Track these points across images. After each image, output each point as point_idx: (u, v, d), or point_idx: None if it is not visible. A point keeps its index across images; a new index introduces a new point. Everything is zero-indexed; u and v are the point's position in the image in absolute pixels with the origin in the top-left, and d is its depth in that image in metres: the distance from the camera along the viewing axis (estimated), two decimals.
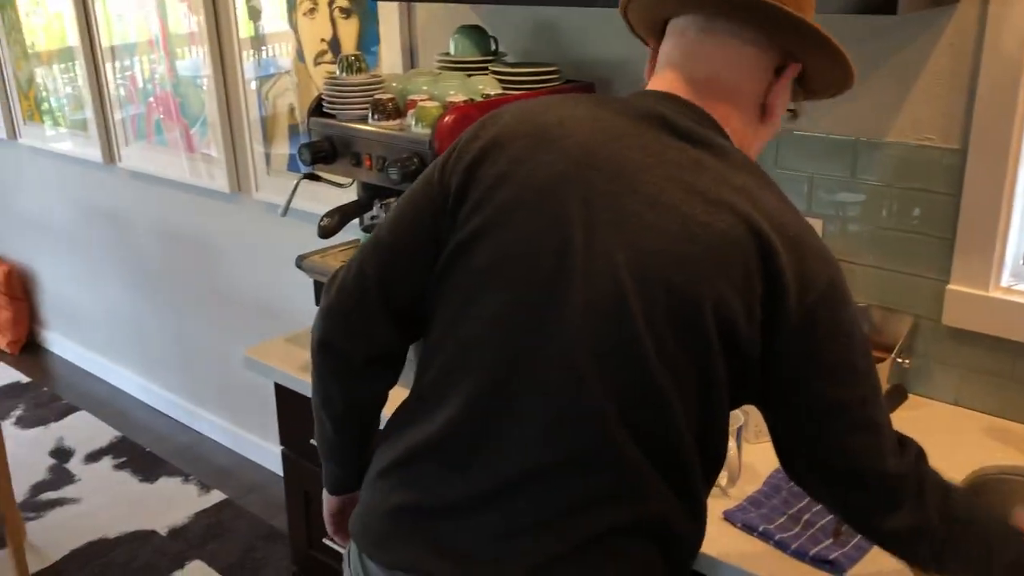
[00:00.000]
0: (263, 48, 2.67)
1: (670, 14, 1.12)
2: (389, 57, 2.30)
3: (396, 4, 2.24)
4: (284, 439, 1.95)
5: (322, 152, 1.74)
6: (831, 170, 1.68)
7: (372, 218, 1.81)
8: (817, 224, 1.71)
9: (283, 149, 2.72)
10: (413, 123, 1.62)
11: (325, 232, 1.68)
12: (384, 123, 1.67)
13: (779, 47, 1.07)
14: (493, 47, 1.93)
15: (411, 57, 2.28)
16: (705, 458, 1.05)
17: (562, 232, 1.01)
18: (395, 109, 1.68)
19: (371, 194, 1.76)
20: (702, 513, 1.09)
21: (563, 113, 1.08)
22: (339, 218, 1.70)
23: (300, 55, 2.55)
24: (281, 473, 3.18)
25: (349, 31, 2.39)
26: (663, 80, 1.11)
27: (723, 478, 1.37)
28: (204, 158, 2.99)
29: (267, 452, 3.28)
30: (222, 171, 2.93)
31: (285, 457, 1.97)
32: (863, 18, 1.57)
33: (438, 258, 1.10)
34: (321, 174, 1.83)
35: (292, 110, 2.65)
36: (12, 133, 3.99)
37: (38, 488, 3.18)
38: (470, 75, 1.81)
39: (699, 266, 0.97)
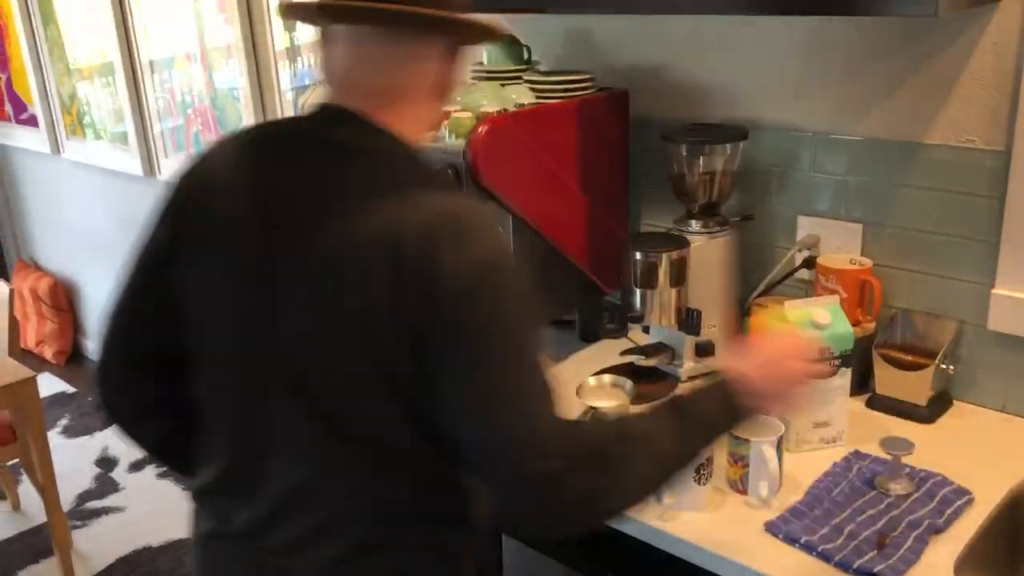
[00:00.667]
0: (298, 59, 2.70)
1: (319, 25, 1.12)
2: None
3: None
4: None
5: None
6: (868, 173, 1.66)
7: None
8: (855, 229, 1.69)
9: None
10: (447, 135, 1.63)
11: None
12: None
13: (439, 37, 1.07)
14: (526, 56, 1.93)
15: None
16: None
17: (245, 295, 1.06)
18: None
19: None
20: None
21: (239, 164, 1.10)
22: None
23: None
24: None
25: None
26: (331, 92, 1.11)
27: (763, 488, 1.36)
28: None
29: None
30: None
31: None
32: (900, 20, 1.55)
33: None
34: None
35: None
36: (56, 148, 4.07)
37: (84, 497, 3.24)
38: (504, 85, 1.81)
39: None
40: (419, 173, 1.07)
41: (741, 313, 1.80)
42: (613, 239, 1.90)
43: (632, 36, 1.92)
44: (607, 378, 1.54)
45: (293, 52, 2.69)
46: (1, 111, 4.41)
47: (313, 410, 1.04)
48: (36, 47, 3.92)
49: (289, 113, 2.78)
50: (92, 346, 4.45)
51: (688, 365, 1.76)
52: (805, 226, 1.76)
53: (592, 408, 1.46)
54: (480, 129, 1.57)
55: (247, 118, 2.91)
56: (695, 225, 1.74)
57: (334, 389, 1.03)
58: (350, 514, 1.07)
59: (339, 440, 1.05)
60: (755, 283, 1.83)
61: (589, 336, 1.96)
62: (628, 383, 1.52)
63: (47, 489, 2.60)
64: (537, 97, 1.75)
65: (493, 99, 1.70)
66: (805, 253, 1.77)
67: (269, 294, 1.04)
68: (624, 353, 1.78)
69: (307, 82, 2.68)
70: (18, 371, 2.41)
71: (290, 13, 1.17)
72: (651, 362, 1.75)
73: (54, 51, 3.84)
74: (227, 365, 1.10)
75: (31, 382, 2.37)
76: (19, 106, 4.23)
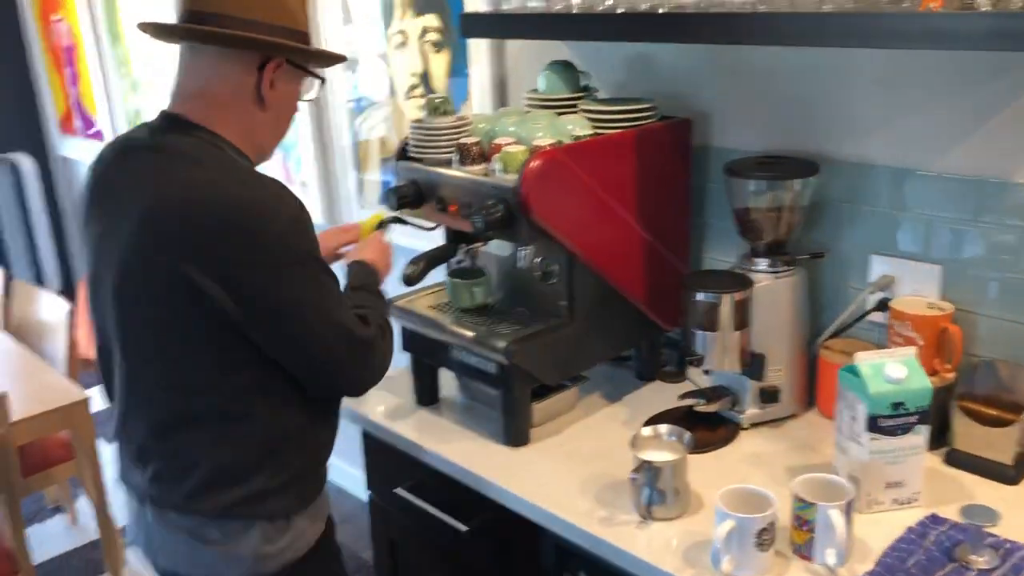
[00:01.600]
0: (355, 84, 2.67)
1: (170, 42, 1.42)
2: (479, 91, 2.25)
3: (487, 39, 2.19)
4: (372, 484, 1.92)
5: (407, 197, 1.69)
6: (950, 212, 1.55)
7: (458, 263, 1.76)
8: (934, 271, 1.58)
9: (376, 183, 2.71)
10: (498, 168, 1.56)
11: (409, 280, 1.64)
12: (470, 168, 1.62)
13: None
14: (583, 83, 1.85)
15: (501, 91, 2.23)
16: None
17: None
18: (480, 154, 1.62)
19: (456, 239, 1.71)
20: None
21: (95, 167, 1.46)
22: (424, 265, 1.65)
23: (392, 88, 2.53)
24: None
25: (439, 64, 2.36)
26: (170, 101, 1.41)
27: (830, 555, 1.26)
28: (298, 187, 3.01)
29: (357, 481, 3.26)
30: (315, 202, 2.94)
31: (372, 503, 1.93)
32: (985, 56, 1.43)
33: None
34: (406, 217, 1.79)
35: (384, 142, 2.63)
36: None
37: None
38: (560, 114, 1.74)
39: None
40: (214, 161, 1.34)
41: (808, 356, 1.70)
42: (673, 275, 1.81)
43: (697, 63, 1.84)
44: (663, 428, 1.45)
45: (350, 75, 2.66)
46: (70, 126, 4.49)
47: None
48: (102, 65, 3.98)
49: (345, 132, 2.76)
50: None
51: (751, 412, 1.66)
52: (879, 266, 1.66)
53: (646, 463, 1.38)
54: (532, 164, 1.51)
55: (303, 135, 2.89)
56: (761, 264, 1.65)
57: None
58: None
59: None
60: (824, 324, 1.73)
61: (646, 375, 1.87)
62: (686, 435, 1.43)
63: (99, 508, 2.60)
64: (594, 127, 1.68)
65: (548, 130, 1.63)
66: (879, 295, 1.66)
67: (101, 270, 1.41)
68: (683, 396, 1.69)
69: (364, 104, 2.65)
70: (72, 392, 2.41)
71: (145, 31, 1.41)
72: (712, 407, 1.66)
73: (121, 68, 3.89)
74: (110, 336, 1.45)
75: (83, 404, 2.37)
76: (88, 121, 4.31)
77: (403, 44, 2.44)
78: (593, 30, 1.67)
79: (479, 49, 2.22)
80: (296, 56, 1.39)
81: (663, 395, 1.80)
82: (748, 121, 1.78)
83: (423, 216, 1.73)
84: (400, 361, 2.01)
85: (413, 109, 2.48)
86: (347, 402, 1.84)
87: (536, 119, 1.69)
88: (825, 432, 1.64)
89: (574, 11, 1.74)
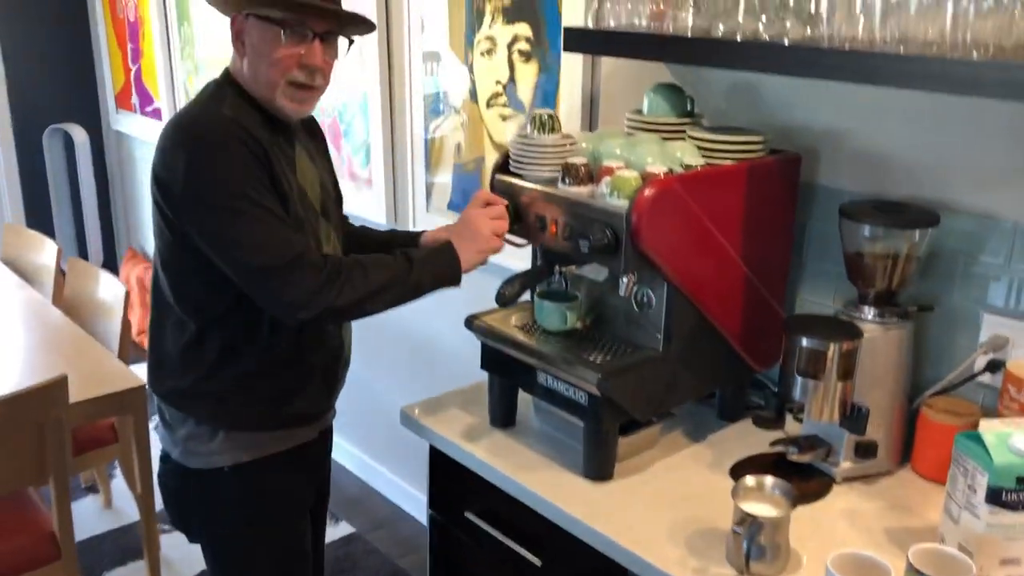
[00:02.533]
0: (436, 92, 2.62)
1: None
2: (568, 107, 2.20)
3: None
4: (434, 502, 1.86)
5: (508, 214, 1.64)
6: None
7: (548, 284, 1.70)
8: None
9: (445, 188, 2.66)
10: (608, 192, 1.50)
11: (505, 301, 1.58)
12: (575, 189, 1.56)
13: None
14: (689, 108, 1.79)
15: (591, 108, 2.17)
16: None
17: None
18: (588, 175, 1.56)
19: (551, 261, 1.66)
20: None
21: None
22: (520, 286, 1.59)
23: (473, 95, 2.48)
24: (410, 511, 3.14)
25: (527, 75, 2.30)
26: None
27: None
28: (364, 184, 2.96)
29: (396, 486, 3.22)
30: (380, 201, 2.89)
31: (433, 521, 1.88)
32: None
33: None
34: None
35: (459, 149, 2.58)
36: None
37: None
38: (665, 138, 1.68)
39: None
40: (205, 94, 1.63)
41: (907, 412, 1.63)
42: (769, 314, 1.74)
43: (806, 96, 1.77)
44: (768, 480, 1.39)
45: (430, 65, 2.61)
46: (128, 102, 4.47)
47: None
48: (168, 44, 3.96)
49: (419, 132, 2.71)
50: None
51: (845, 465, 1.60)
52: (991, 325, 1.58)
53: (750, 516, 1.31)
54: (646, 192, 1.45)
55: (374, 128, 2.84)
56: (868, 313, 1.58)
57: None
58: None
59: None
60: (925, 379, 1.66)
61: (729, 416, 1.81)
62: (791, 489, 1.37)
63: (144, 496, 2.56)
64: (703, 157, 1.61)
65: (658, 157, 1.57)
66: (990, 355, 1.58)
67: None
68: (775, 443, 1.62)
69: (441, 108, 2.60)
70: (128, 378, 2.37)
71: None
72: (805, 458, 1.59)
73: (185, 49, 3.86)
74: None
75: (139, 392, 2.33)
76: (146, 98, 4.28)
77: (490, 51, 2.39)
78: (710, 55, 1.61)
79: (572, 63, 2.16)
80: (255, 8, 1.54)
81: (748, 439, 1.73)
82: (857, 161, 1.71)
83: (518, 233, 1.67)
84: (469, 378, 1.97)
85: (494, 118, 2.43)
86: (415, 412, 1.80)
87: (643, 143, 1.63)
88: (922, 493, 1.57)
89: (689, 35, 1.67)
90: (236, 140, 1.50)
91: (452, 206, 2.65)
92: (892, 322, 1.57)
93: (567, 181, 1.57)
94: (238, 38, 1.58)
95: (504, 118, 2.40)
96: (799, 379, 1.54)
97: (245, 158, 1.50)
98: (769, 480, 1.39)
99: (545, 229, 1.60)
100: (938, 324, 1.64)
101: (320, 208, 1.70)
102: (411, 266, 1.58)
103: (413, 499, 3.16)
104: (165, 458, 1.78)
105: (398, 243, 1.82)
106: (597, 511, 1.50)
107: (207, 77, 3.80)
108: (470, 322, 1.73)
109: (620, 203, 1.48)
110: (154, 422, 1.88)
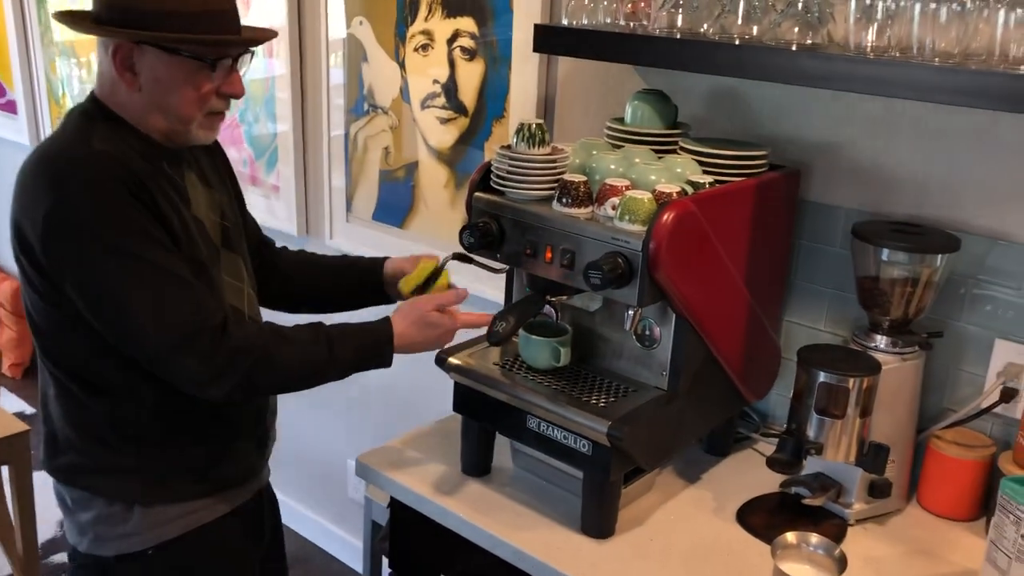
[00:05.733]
0: (360, 90, 2.36)
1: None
2: (520, 112, 2.00)
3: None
4: (398, 565, 1.64)
5: (489, 236, 1.43)
6: None
7: (534, 316, 1.51)
8: None
9: (369, 196, 2.42)
10: (617, 216, 1.32)
11: (499, 340, 1.38)
12: (574, 210, 1.37)
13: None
14: (675, 117, 1.64)
15: (546, 115, 1.99)
16: None
17: None
18: (587, 194, 1.38)
19: (542, 290, 1.46)
20: None
21: None
22: (515, 322, 1.39)
23: (405, 94, 2.25)
24: (360, 570, 2.80)
25: (470, 75, 2.09)
26: None
27: None
28: (270, 191, 2.67)
29: (344, 543, 2.90)
30: (289, 209, 2.61)
31: None
32: None
33: None
34: (474, 256, 1.52)
35: (387, 153, 2.34)
36: (37, 139, 3.64)
37: (49, 548, 2.82)
38: (657, 152, 1.52)
39: None
40: (70, 126, 1.36)
41: (915, 446, 1.53)
42: (766, 342, 1.61)
43: (798, 105, 1.65)
44: (814, 539, 1.25)
45: (351, 76, 2.36)
46: None
47: None
48: (24, 26, 3.50)
49: (337, 135, 2.45)
50: None
51: (858, 507, 1.48)
52: (1005, 352, 1.50)
53: None
54: (666, 217, 1.28)
55: (283, 133, 2.56)
56: (881, 341, 1.47)
57: None
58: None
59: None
60: (930, 410, 1.57)
61: (719, 450, 1.67)
62: (838, 550, 1.23)
63: (29, 555, 2.20)
64: (704, 172, 1.46)
65: (662, 174, 1.40)
66: (1002, 383, 1.50)
67: None
68: (785, 485, 1.49)
69: (365, 108, 2.35)
70: (5, 422, 2.01)
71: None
72: (819, 501, 1.47)
73: (46, 34, 3.42)
74: None
75: (22, 437, 1.98)
76: None
77: (426, 46, 2.16)
78: (714, 59, 1.45)
79: (525, 64, 1.97)
80: (162, 40, 1.29)
81: (744, 478, 1.60)
82: (855, 176, 1.60)
83: (498, 259, 1.47)
84: (440, 406, 1.75)
85: (430, 120, 2.21)
86: (373, 462, 1.57)
87: (638, 156, 1.46)
88: (938, 533, 1.48)
89: (677, 35, 1.52)
90: (111, 180, 1.26)
91: (377, 216, 2.41)
92: (908, 352, 1.47)
93: (564, 201, 1.38)
94: (124, 67, 1.32)
95: (443, 121, 2.18)
96: (814, 417, 1.41)
97: (123, 200, 1.26)
98: (813, 539, 1.25)
99: (537, 255, 1.40)
100: (944, 351, 1.55)
101: (221, 239, 1.45)
102: (330, 349, 1.38)
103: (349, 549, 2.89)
104: (72, 554, 1.48)
105: (356, 272, 1.59)
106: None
107: (74, 64, 3.43)
108: (442, 361, 1.51)
109: (634, 228, 1.30)
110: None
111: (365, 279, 1.63)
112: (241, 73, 1.39)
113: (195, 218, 1.39)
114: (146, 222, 1.27)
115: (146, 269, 1.26)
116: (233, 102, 1.41)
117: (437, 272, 1.53)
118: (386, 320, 1.43)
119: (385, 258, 1.61)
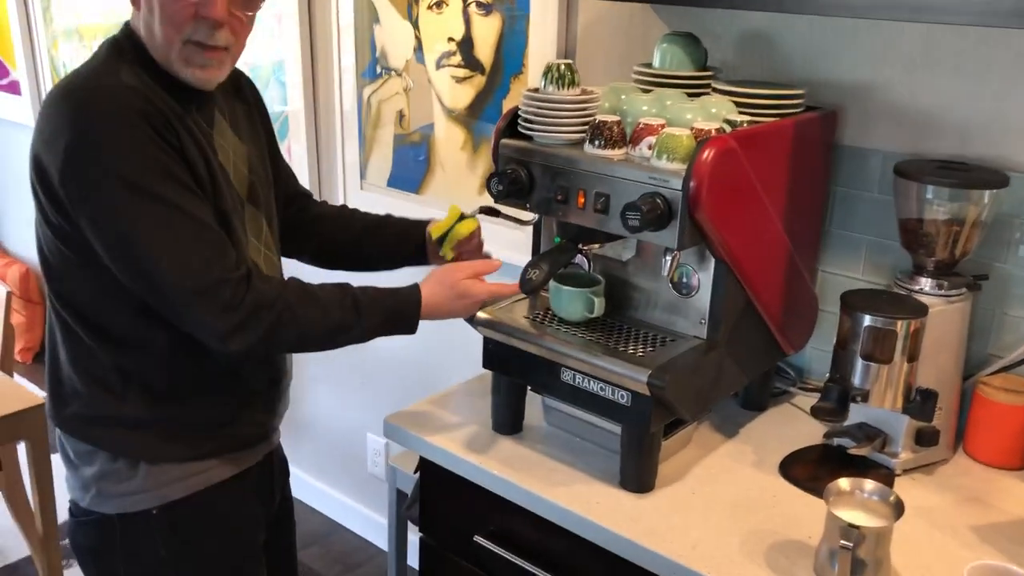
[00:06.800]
0: (372, 51, 2.31)
1: None
2: (539, 67, 1.94)
3: (554, 1, 1.89)
4: (428, 526, 1.59)
5: (519, 183, 1.38)
6: None
7: (564, 266, 1.46)
8: None
9: (384, 162, 2.36)
10: (654, 155, 1.27)
11: (532, 287, 1.33)
12: (608, 152, 1.32)
13: None
14: (706, 60, 1.58)
15: None
16: None
17: None
18: (622, 135, 1.33)
19: (574, 238, 1.41)
20: None
21: None
22: (548, 270, 1.34)
23: (419, 54, 2.19)
24: (384, 547, 2.75)
25: (487, 31, 2.04)
26: None
27: None
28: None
29: (367, 519, 2.85)
30: (301, 178, 2.55)
31: (425, 547, 1.61)
32: None
33: None
34: (501, 208, 1.47)
35: (400, 117, 2.29)
36: None
37: (63, 530, 2.77)
38: (690, 94, 1.46)
39: None
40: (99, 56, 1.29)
41: (961, 392, 1.48)
42: (803, 291, 1.56)
43: (830, 46, 1.59)
44: (869, 485, 1.20)
45: (361, 32, 2.30)
46: None
47: None
48: (26, 3, 3.44)
49: (350, 98, 2.39)
50: None
51: (905, 456, 1.44)
52: None
53: (854, 528, 1.12)
54: (706, 154, 1.22)
55: (293, 96, 2.50)
56: (927, 284, 1.42)
57: None
58: None
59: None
60: (975, 356, 1.52)
61: (756, 404, 1.62)
62: (894, 496, 1.18)
63: (48, 535, 2.16)
64: (740, 113, 1.40)
65: (699, 113, 1.35)
66: None
67: None
68: (828, 435, 1.44)
69: (378, 71, 2.29)
70: (21, 395, 1.97)
71: None
72: (863, 451, 1.42)
73: (47, 11, 3.37)
74: None
75: (38, 411, 1.94)
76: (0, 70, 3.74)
77: (439, 4, 2.11)
78: None
79: (544, 15, 1.91)
80: None
81: (783, 431, 1.55)
82: (892, 118, 1.55)
83: (526, 208, 1.42)
84: (455, 377, 1.70)
85: (445, 80, 2.15)
86: (403, 422, 1.52)
87: (669, 98, 1.41)
88: (988, 481, 1.43)
89: None
90: (137, 114, 1.20)
91: (392, 183, 2.36)
92: (954, 294, 1.41)
93: (597, 143, 1.33)
94: None
95: (459, 80, 2.12)
96: (860, 363, 1.36)
97: (148, 138, 1.20)
98: (868, 485, 1.20)
99: (568, 201, 1.35)
100: (989, 296, 1.50)
101: (247, 192, 1.40)
102: (357, 310, 1.32)
103: (362, 520, 2.86)
104: (74, 509, 1.43)
105: (396, 230, 1.53)
106: (651, 529, 1.28)
107: (78, 45, 3.38)
108: (471, 317, 1.46)
109: (673, 166, 1.25)
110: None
111: (405, 237, 1.57)
112: (251, 11, 1.29)
113: (221, 167, 1.33)
114: (170, 161, 1.21)
115: (166, 209, 1.20)
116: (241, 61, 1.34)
117: (463, 215, 1.48)
118: (415, 286, 1.37)
119: (428, 220, 1.55)
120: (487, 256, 1.55)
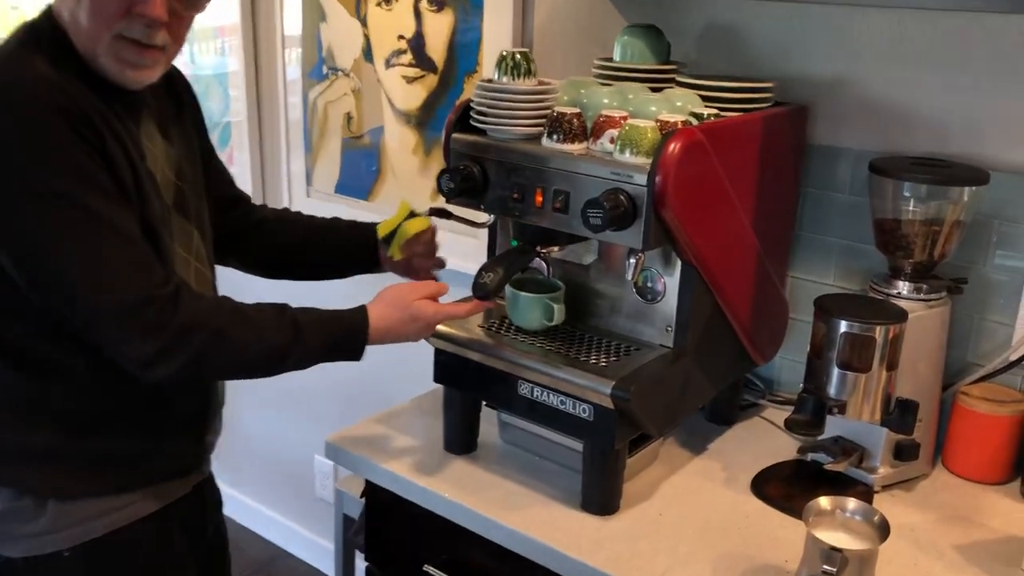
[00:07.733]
0: (318, 51, 2.19)
1: None
2: (494, 65, 1.84)
3: None
4: (373, 554, 1.47)
5: (471, 180, 1.28)
6: None
7: (523, 270, 1.36)
8: None
9: (331, 166, 2.25)
10: (617, 149, 1.18)
11: (487, 292, 1.22)
12: (567, 146, 1.22)
13: None
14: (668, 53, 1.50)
15: None
16: None
17: None
18: (582, 128, 1.23)
19: (531, 241, 1.31)
20: None
21: None
22: (503, 273, 1.24)
23: (367, 53, 2.08)
24: (331, 574, 2.61)
25: (439, 28, 1.93)
26: None
27: None
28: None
29: (313, 545, 2.70)
30: (244, 186, 2.43)
31: None
32: None
33: None
34: (452, 209, 1.37)
35: (349, 119, 2.17)
36: None
37: None
38: (653, 89, 1.37)
39: None
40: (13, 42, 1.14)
41: (940, 403, 1.41)
42: (774, 298, 1.48)
43: (800, 41, 1.51)
44: (851, 504, 1.11)
45: (308, 37, 2.19)
46: None
47: None
48: None
49: (295, 103, 2.27)
50: None
51: (883, 471, 1.35)
52: None
53: (838, 552, 1.03)
54: (672, 147, 1.13)
55: (237, 105, 2.38)
56: (905, 288, 1.35)
57: None
58: None
59: None
60: (954, 364, 1.44)
61: (723, 418, 1.53)
62: (878, 516, 1.09)
63: None
64: (706, 107, 1.32)
65: (662, 105, 1.26)
66: None
67: None
68: (803, 451, 1.35)
69: (324, 72, 2.18)
70: None
71: None
72: (840, 467, 1.33)
73: None
74: None
75: None
76: None
77: (388, 0, 2.00)
78: None
79: (499, 10, 1.82)
80: None
81: (755, 446, 1.46)
82: (865, 115, 1.47)
83: (478, 207, 1.31)
84: (402, 396, 1.59)
85: (395, 79, 2.04)
86: (346, 443, 1.41)
87: (632, 91, 1.32)
88: (970, 497, 1.35)
89: None
90: (53, 110, 1.06)
91: (341, 189, 2.24)
92: (934, 298, 1.34)
93: (555, 137, 1.23)
94: None
95: (410, 80, 2.01)
96: (836, 372, 1.28)
97: (66, 137, 1.07)
98: (850, 504, 1.11)
99: (525, 199, 1.25)
100: (969, 300, 1.42)
101: (175, 200, 1.26)
102: (296, 334, 1.19)
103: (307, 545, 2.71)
104: None
105: (345, 232, 1.42)
106: (616, 556, 1.18)
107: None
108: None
109: (637, 160, 1.16)
110: None
111: (355, 240, 1.45)
112: (192, 11, 1.17)
113: (149, 172, 1.19)
114: (88, 163, 1.07)
115: (84, 218, 1.07)
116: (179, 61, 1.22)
117: (413, 213, 1.37)
118: (362, 308, 1.25)
119: (379, 222, 1.43)
120: (441, 260, 1.44)
